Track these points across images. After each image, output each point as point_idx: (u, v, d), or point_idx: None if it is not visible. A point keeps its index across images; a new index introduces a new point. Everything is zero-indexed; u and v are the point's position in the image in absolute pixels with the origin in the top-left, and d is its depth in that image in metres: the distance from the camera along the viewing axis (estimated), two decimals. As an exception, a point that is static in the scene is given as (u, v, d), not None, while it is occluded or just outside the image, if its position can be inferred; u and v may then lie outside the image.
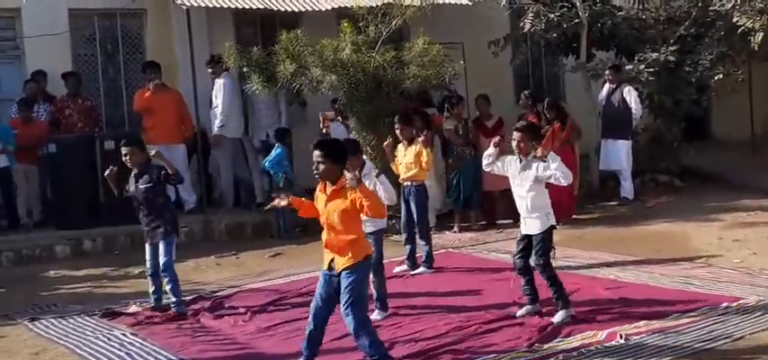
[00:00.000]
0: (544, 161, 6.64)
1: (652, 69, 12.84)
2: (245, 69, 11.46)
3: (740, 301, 6.89)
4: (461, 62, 12.06)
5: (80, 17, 13.18)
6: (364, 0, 11.35)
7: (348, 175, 5.66)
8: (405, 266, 9.06)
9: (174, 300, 7.67)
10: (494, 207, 11.85)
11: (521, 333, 6.41)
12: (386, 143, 8.81)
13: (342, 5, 12.50)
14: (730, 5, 12.69)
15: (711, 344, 5.93)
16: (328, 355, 6.03)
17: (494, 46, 14.04)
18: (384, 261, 7.54)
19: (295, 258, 10.29)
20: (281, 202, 6.12)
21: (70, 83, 12.40)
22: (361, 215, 5.71)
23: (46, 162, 11.87)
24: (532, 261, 6.80)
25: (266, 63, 11.17)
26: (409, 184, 9.06)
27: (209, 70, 12.53)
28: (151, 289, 7.83)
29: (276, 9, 12.70)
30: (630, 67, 13.09)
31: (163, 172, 7.56)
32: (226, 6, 12.39)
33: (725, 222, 10.64)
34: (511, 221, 11.30)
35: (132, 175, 7.68)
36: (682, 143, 14.05)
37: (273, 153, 11.66)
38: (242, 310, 7.70)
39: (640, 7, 14.08)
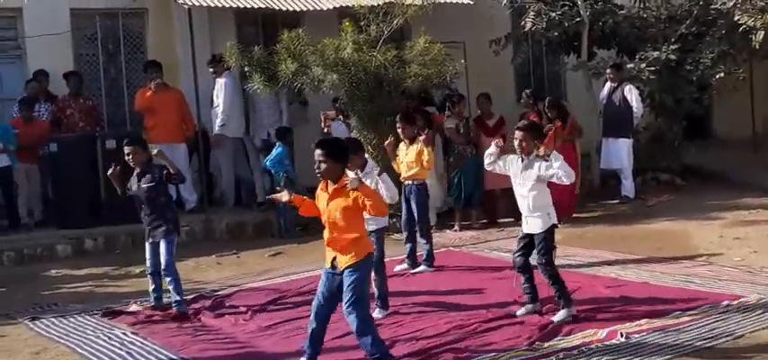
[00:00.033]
0: (546, 160, 6.64)
1: (653, 68, 12.83)
2: (246, 69, 11.46)
3: (741, 300, 6.88)
4: (462, 61, 12.06)
5: (82, 17, 13.19)
6: (365, 0, 11.35)
7: (350, 175, 5.66)
8: (405, 265, 9.06)
9: (175, 299, 7.67)
10: (495, 206, 11.85)
11: (521, 332, 6.41)
12: (387, 142, 8.82)
13: (343, 5, 12.50)
14: (731, 4, 12.68)
15: (712, 342, 5.92)
16: (330, 353, 6.04)
17: (495, 45, 14.03)
18: (385, 259, 7.54)
19: (296, 257, 10.29)
20: (283, 197, 6.11)
21: (72, 82, 12.41)
22: (364, 213, 5.73)
23: (47, 161, 11.88)
24: (535, 260, 6.80)
25: (268, 62, 11.18)
26: (410, 182, 9.06)
27: (211, 70, 12.54)
28: (151, 287, 7.84)
29: (278, 8, 12.71)
30: (631, 65, 13.09)
31: (165, 171, 7.58)
32: (227, 6, 12.39)
33: (726, 221, 10.63)
34: (512, 220, 11.31)
35: (135, 174, 7.70)
36: (683, 142, 14.04)
37: (274, 152, 11.66)
38: (243, 309, 7.70)
39: (641, 6, 14.07)
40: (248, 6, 12.52)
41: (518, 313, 6.89)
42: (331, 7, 12.74)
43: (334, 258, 5.72)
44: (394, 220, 9.79)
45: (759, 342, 5.89)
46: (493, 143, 7.02)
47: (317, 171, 5.71)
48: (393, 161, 9.02)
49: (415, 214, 9.02)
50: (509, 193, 7.32)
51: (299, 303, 7.69)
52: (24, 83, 12.54)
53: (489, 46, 13.98)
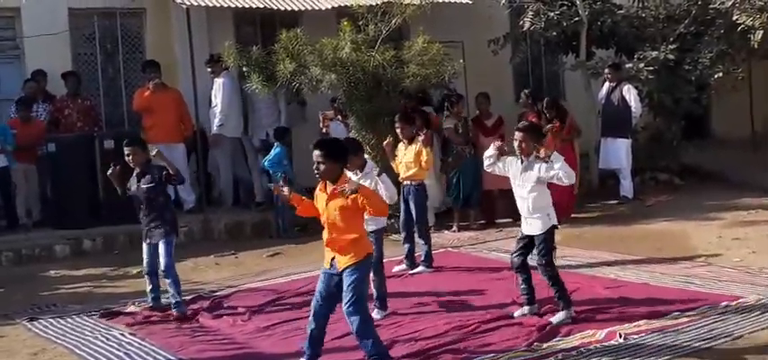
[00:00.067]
0: (547, 161, 6.62)
1: (652, 68, 12.83)
2: (244, 69, 11.45)
3: (740, 300, 6.88)
4: (461, 61, 12.03)
5: (80, 17, 13.17)
6: (364, -1, 11.36)
7: (349, 175, 5.66)
8: (404, 266, 9.05)
9: (174, 301, 7.66)
10: (493, 206, 11.84)
11: (520, 332, 6.41)
12: (386, 142, 8.81)
13: (341, 4, 12.50)
14: (730, 3, 12.67)
15: (711, 343, 5.92)
16: (329, 354, 6.03)
17: (493, 44, 14.02)
18: (383, 260, 7.53)
19: (294, 258, 10.28)
20: (284, 190, 6.08)
21: (70, 82, 12.39)
22: (364, 214, 5.73)
23: (45, 162, 11.87)
24: (535, 261, 6.78)
25: (266, 62, 11.17)
26: (409, 183, 9.05)
27: (209, 69, 12.53)
28: (148, 288, 7.84)
29: (276, 8, 12.70)
30: (630, 65, 13.09)
31: (164, 172, 7.58)
32: (225, 5, 12.38)
33: (725, 221, 10.63)
34: (510, 220, 11.31)
35: (134, 174, 7.70)
36: (681, 142, 14.04)
37: (273, 152, 11.65)
38: (241, 310, 7.69)
39: (640, 5, 14.06)
40: (246, 6, 12.51)
41: (516, 314, 6.88)
42: (329, 7, 12.73)
43: (333, 258, 5.71)
44: (393, 220, 9.78)
45: (758, 343, 5.89)
46: (492, 145, 6.99)
47: (315, 172, 5.71)
48: (392, 161, 9.01)
49: (414, 215, 9.00)
50: (507, 193, 7.31)
51: (297, 304, 7.68)
52: (22, 83, 12.52)
53: (488, 45, 13.97)
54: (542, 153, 6.69)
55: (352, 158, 6.94)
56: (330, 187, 5.71)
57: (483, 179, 11.31)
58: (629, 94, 12.57)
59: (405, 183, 9.06)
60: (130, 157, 7.66)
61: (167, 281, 7.68)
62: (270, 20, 13.60)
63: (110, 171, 7.73)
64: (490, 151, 6.95)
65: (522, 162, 6.74)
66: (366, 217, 5.89)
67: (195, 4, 11.95)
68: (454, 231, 11.40)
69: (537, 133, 7.00)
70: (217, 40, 12.56)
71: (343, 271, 5.64)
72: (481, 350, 6.06)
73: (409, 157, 8.99)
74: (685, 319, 6.46)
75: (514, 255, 6.93)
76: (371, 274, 6.73)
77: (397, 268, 8.99)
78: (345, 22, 10.99)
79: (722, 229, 10.13)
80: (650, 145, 13.87)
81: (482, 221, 11.78)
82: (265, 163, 11.76)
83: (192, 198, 12.46)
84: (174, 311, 7.61)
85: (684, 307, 6.75)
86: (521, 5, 13.69)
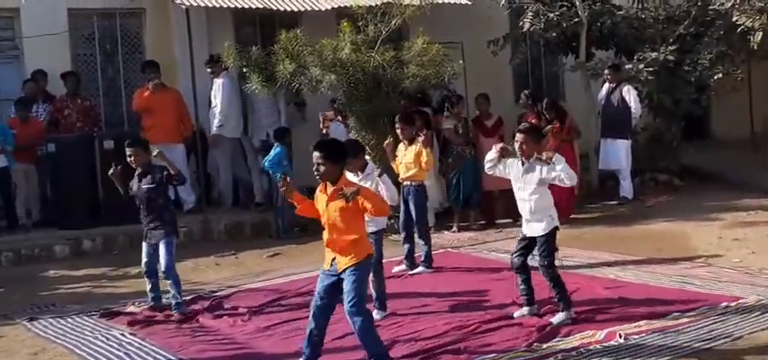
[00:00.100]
0: (548, 163, 6.62)
1: (651, 69, 12.83)
2: (244, 69, 11.44)
3: (740, 301, 6.88)
4: (461, 61, 12.03)
5: (79, 17, 13.16)
6: (363, 0, 11.34)
7: (349, 175, 5.65)
8: (403, 266, 9.05)
9: (175, 301, 7.66)
10: (493, 207, 11.85)
11: (520, 333, 6.40)
12: (386, 142, 8.82)
13: (341, 5, 12.50)
14: (730, 4, 12.68)
15: (711, 343, 5.92)
16: (329, 354, 6.03)
17: (493, 45, 14.02)
18: (383, 261, 7.53)
19: (294, 258, 10.28)
20: (288, 190, 6.06)
21: (69, 83, 12.39)
22: (365, 215, 5.74)
23: (45, 162, 11.87)
24: (536, 262, 6.77)
25: (265, 63, 11.16)
26: (409, 183, 9.05)
27: (208, 70, 12.53)
28: (148, 287, 7.84)
29: (275, 9, 12.70)
30: (630, 66, 13.09)
31: (165, 172, 7.58)
32: (225, 6, 12.38)
33: (725, 222, 10.63)
34: (510, 221, 11.33)
35: (136, 174, 7.70)
36: (681, 142, 14.03)
37: (273, 152, 11.64)
38: (241, 310, 7.68)
39: (640, 6, 14.07)
40: (246, 7, 12.51)
41: (515, 315, 6.87)
42: (329, 8, 12.74)
43: (334, 259, 5.71)
44: (392, 221, 9.78)
45: (758, 343, 5.89)
46: (493, 147, 6.97)
47: (315, 173, 5.71)
48: (392, 162, 9.01)
49: (414, 215, 9.00)
50: (507, 194, 7.30)
51: (297, 304, 7.67)
52: (22, 83, 12.52)
53: (487, 46, 13.97)
54: (545, 156, 6.69)
55: (353, 160, 6.95)
56: (330, 188, 5.71)
57: (483, 180, 11.31)
58: (629, 94, 12.57)
59: (405, 183, 9.06)
60: (132, 158, 7.67)
61: (168, 282, 7.68)
62: (269, 20, 13.60)
63: (111, 171, 7.74)
64: (491, 154, 6.92)
65: (523, 164, 6.73)
66: (366, 218, 5.90)
67: (195, 4, 11.95)
68: (454, 232, 11.40)
69: (538, 135, 7.00)
70: (216, 41, 12.56)
71: (343, 272, 5.64)
72: (481, 350, 6.06)
73: (409, 157, 8.99)
74: (685, 320, 6.46)
75: (515, 255, 6.93)
76: (371, 275, 6.74)
77: (396, 269, 8.99)
78: (345, 23, 10.98)
79: (722, 230, 10.13)
80: (650, 146, 13.87)
81: (482, 222, 11.78)
82: (265, 163, 11.75)
83: (192, 198, 12.46)
84: (174, 312, 7.61)
85: (684, 307, 6.75)
86: (520, 6, 13.70)
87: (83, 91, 12.80)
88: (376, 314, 7.03)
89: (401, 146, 9.12)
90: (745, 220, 10.73)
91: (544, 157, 6.67)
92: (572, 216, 11.41)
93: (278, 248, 10.88)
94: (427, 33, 11.06)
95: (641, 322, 6.44)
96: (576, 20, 13.19)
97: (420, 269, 8.98)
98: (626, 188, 12.67)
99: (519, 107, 13.04)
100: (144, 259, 7.75)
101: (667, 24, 13.81)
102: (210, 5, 12.22)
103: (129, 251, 10.53)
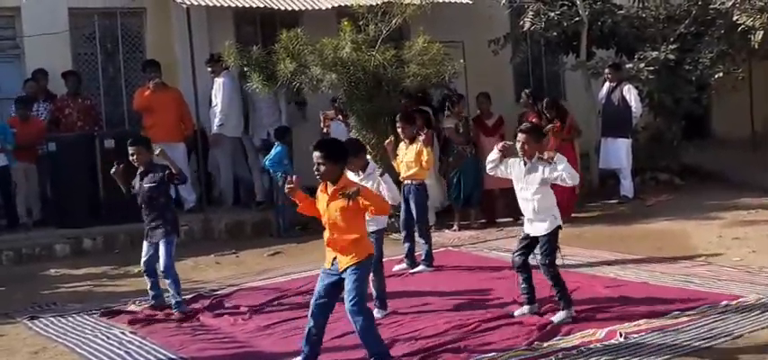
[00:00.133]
0: (550, 163, 6.62)
1: (652, 68, 12.83)
2: (245, 68, 11.45)
3: (740, 300, 6.88)
4: (461, 61, 12.04)
5: (80, 16, 13.16)
6: (364, -1, 11.36)
7: (350, 175, 5.66)
8: (404, 265, 9.05)
9: (175, 301, 7.66)
10: (494, 205, 11.85)
11: (520, 332, 6.40)
12: (387, 141, 8.83)
13: (342, 4, 12.50)
14: (730, 4, 12.67)
15: (711, 342, 5.92)
16: (329, 353, 6.03)
17: (494, 44, 14.03)
18: (383, 260, 7.54)
19: (294, 257, 10.29)
20: (293, 190, 6.06)
21: (70, 82, 12.40)
22: (366, 214, 5.75)
23: (46, 161, 11.88)
24: (537, 260, 6.77)
25: (266, 62, 11.17)
26: (409, 182, 9.06)
27: (209, 69, 12.53)
28: (148, 285, 7.84)
29: (276, 8, 12.70)
30: (630, 65, 13.09)
31: (167, 171, 7.58)
32: (226, 5, 12.38)
33: (725, 221, 10.63)
34: (511, 220, 11.35)
35: (138, 173, 7.71)
36: (682, 141, 14.04)
37: (273, 152, 11.66)
38: (242, 309, 7.68)
39: (640, 6, 14.07)
40: (247, 6, 12.52)
41: (516, 313, 6.87)
42: (329, 7, 12.73)
43: (335, 259, 5.72)
44: (393, 219, 9.79)
45: (758, 342, 5.89)
46: (495, 148, 6.96)
47: (316, 173, 5.71)
48: (393, 160, 9.02)
49: (414, 214, 9.01)
50: (508, 193, 7.30)
51: (298, 303, 7.67)
52: (22, 82, 12.52)
53: (488, 46, 13.97)
54: (547, 156, 6.69)
55: (354, 159, 6.95)
56: (331, 188, 5.71)
57: (484, 179, 11.30)
58: (630, 94, 12.57)
59: (405, 182, 9.06)
60: (135, 156, 7.67)
61: (167, 281, 7.68)
62: (270, 19, 13.60)
63: (113, 169, 7.74)
64: (493, 155, 6.91)
65: (525, 164, 6.72)
66: (367, 217, 5.91)
67: (195, 3, 11.95)
68: (455, 230, 11.41)
69: (539, 134, 6.99)
70: (217, 40, 12.56)
71: (344, 271, 5.65)
72: (481, 349, 6.06)
73: (410, 156, 9.00)
74: (685, 319, 6.46)
75: (516, 254, 6.93)
76: (371, 274, 6.74)
77: (397, 267, 9.00)
78: (346, 22, 10.99)
79: (722, 229, 10.13)
80: (650, 145, 13.88)
81: (483, 221, 11.79)
82: (266, 162, 11.77)
83: (193, 197, 12.46)
84: (175, 311, 7.61)
85: (684, 306, 6.75)
86: (521, 5, 13.70)
87: (83, 90, 12.80)
88: (376, 313, 7.03)
89: (402, 145, 9.13)
90: (745, 218, 10.74)
91: (546, 157, 6.67)
92: (572, 215, 11.41)
93: (279, 247, 10.88)
94: (428, 32, 11.06)
95: (641, 321, 6.44)
96: (577, 19, 13.20)
97: (421, 268, 8.98)
98: (626, 187, 12.67)
99: (520, 106, 13.04)
100: (143, 257, 7.76)
101: (668, 23, 13.81)
102: (211, 4, 12.22)
103: (130, 250, 10.54)
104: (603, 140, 12.88)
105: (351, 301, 5.58)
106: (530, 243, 6.82)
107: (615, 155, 12.68)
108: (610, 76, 12.85)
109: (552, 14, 13.12)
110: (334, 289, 5.74)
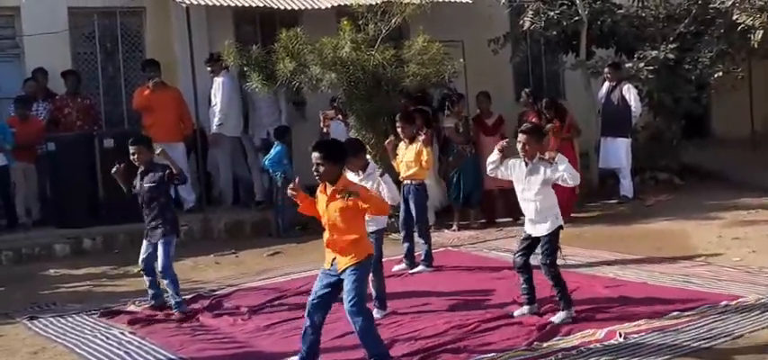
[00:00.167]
0: (551, 163, 6.62)
1: (652, 67, 12.83)
2: (245, 68, 11.44)
3: (740, 300, 6.88)
4: (461, 60, 12.04)
5: (79, 15, 13.16)
6: (364, -2, 11.36)
7: (350, 175, 5.65)
8: (403, 265, 9.05)
9: (175, 301, 7.66)
10: (493, 205, 11.85)
11: (520, 332, 6.40)
12: (388, 141, 8.83)
13: (341, 3, 12.49)
14: (730, 3, 12.66)
15: (711, 342, 5.92)
16: (329, 353, 6.04)
17: (494, 44, 14.02)
18: (383, 260, 7.53)
19: (294, 257, 10.28)
20: (294, 192, 6.06)
21: (70, 81, 12.39)
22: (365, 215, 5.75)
23: (45, 160, 11.87)
24: (539, 260, 6.77)
25: (266, 61, 11.16)
26: (409, 182, 9.05)
27: (208, 68, 12.52)
28: (147, 284, 7.83)
29: (276, 7, 12.70)
30: (630, 64, 13.08)
31: (167, 171, 7.58)
32: (225, 4, 12.37)
33: (725, 220, 10.63)
34: (510, 220, 11.35)
35: (138, 172, 7.70)
36: (681, 141, 14.04)
37: (273, 151, 11.65)
38: (242, 309, 7.68)
39: (640, 5, 14.06)
40: (246, 5, 12.51)
41: (515, 314, 6.87)
42: (329, 6, 12.73)
43: (334, 259, 5.71)
44: (393, 219, 9.78)
45: (758, 342, 5.89)
46: (496, 148, 6.95)
47: (315, 174, 5.71)
48: (393, 160, 9.02)
49: (414, 214, 9.01)
50: (507, 193, 7.30)
51: (298, 303, 7.65)
52: (22, 82, 12.52)
53: (488, 45, 13.97)
54: (548, 156, 6.68)
55: (354, 159, 6.94)
56: (330, 189, 5.71)
57: (484, 179, 11.30)
58: (629, 93, 12.56)
59: (405, 182, 9.06)
60: (136, 156, 7.67)
61: (165, 281, 7.68)
62: (270, 19, 13.60)
63: (114, 169, 7.74)
64: (493, 157, 6.89)
65: (526, 165, 6.71)
66: (366, 217, 5.90)
67: (195, 2, 11.94)
68: (454, 230, 11.40)
69: (540, 135, 6.98)
70: (216, 39, 12.55)
71: (343, 272, 5.64)
72: (481, 349, 6.06)
73: (410, 156, 9.00)
74: (685, 319, 6.46)
75: (517, 255, 6.92)
76: (371, 274, 6.73)
77: (396, 267, 8.99)
78: (345, 22, 10.98)
79: (722, 229, 10.13)
80: (650, 144, 13.87)
81: (482, 221, 11.78)
82: (266, 162, 11.76)
83: (192, 197, 12.46)
84: (175, 311, 7.61)
85: (684, 306, 6.75)
86: (521, 5, 13.70)
87: (83, 90, 12.80)
88: (376, 313, 7.02)
89: (402, 145, 9.12)
90: (745, 218, 10.73)
91: (547, 157, 6.67)
92: (572, 215, 11.40)
93: (278, 247, 10.88)
94: (427, 32, 11.06)
95: (641, 321, 6.44)
96: (577, 18, 13.19)
97: (420, 268, 8.98)
98: (626, 187, 12.66)
99: (519, 106, 13.04)
100: (142, 255, 7.76)
101: (668, 23, 13.80)
102: (211, 4, 12.22)
103: (130, 250, 10.53)
104: (603, 140, 12.87)
105: (350, 301, 5.58)
106: (531, 244, 6.82)
107: (615, 154, 12.67)
108: (609, 75, 12.85)
109: (552, 14, 13.12)
110: (332, 289, 5.74)
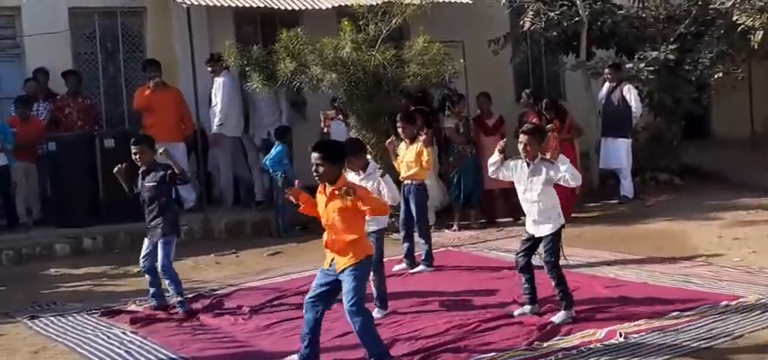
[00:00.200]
0: (552, 163, 6.62)
1: (652, 68, 12.84)
2: (245, 68, 11.45)
3: (740, 300, 6.88)
4: (461, 60, 12.05)
5: (80, 15, 13.17)
6: (364, -1, 11.36)
7: (351, 175, 5.65)
8: (403, 265, 9.05)
9: (177, 300, 7.67)
10: (494, 205, 11.86)
11: (520, 331, 6.40)
12: (389, 141, 8.83)
13: (342, 4, 12.50)
14: (730, 4, 12.68)
15: (711, 342, 5.92)
16: (328, 353, 6.04)
17: (494, 44, 14.03)
18: (384, 259, 7.53)
19: (294, 257, 10.29)
20: (293, 194, 6.06)
21: (70, 81, 12.40)
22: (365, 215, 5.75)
23: (46, 160, 11.88)
24: (542, 259, 6.77)
25: (266, 61, 11.18)
26: (409, 182, 9.06)
27: (209, 69, 12.53)
28: (148, 283, 7.83)
29: (276, 7, 12.70)
30: (630, 65, 13.09)
31: (170, 171, 7.58)
32: (226, 5, 12.38)
33: (725, 221, 10.64)
34: (511, 220, 11.35)
35: (140, 172, 7.71)
36: (682, 141, 14.05)
37: (274, 151, 11.66)
38: (243, 309, 7.68)
39: (640, 6, 14.07)
40: (247, 5, 12.52)
41: (516, 313, 6.87)
42: (330, 6, 12.73)
43: (333, 259, 5.72)
44: (393, 219, 9.78)
45: (758, 342, 5.89)
46: (496, 150, 6.95)
47: (314, 174, 5.71)
48: (394, 160, 9.03)
49: (414, 214, 9.01)
50: (507, 193, 7.30)
51: (298, 303, 7.63)
52: (23, 82, 12.52)
53: (488, 45, 13.98)
54: (549, 156, 6.68)
55: (354, 159, 6.95)
56: (329, 189, 5.72)
57: (484, 179, 11.30)
58: (630, 94, 12.57)
59: (405, 182, 9.06)
60: (138, 156, 7.68)
61: (166, 281, 7.69)
62: (270, 19, 13.61)
63: (116, 169, 7.74)
64: (494, 158, 6.90)
65: (528, 165, 6.71)
66: (367, 217, 5.90)
67: (196, 3, 11.95)
68: (455, 230, 11.41)
69: (541, 135, 6.98)
70: (217, 40, 12.57)
71: (342, 272, 5.65)
72: (481, 349, 6.06)
73: (410, 156, 9.00)
74: (685, 319, 6.46)
75: (519, 255, 6.92)
76: (372, 274, 6.74)
77: (397, 267, 8.99)
78: (346, 22, 10.99)
79: (722, 229, 10.14)
80: (650, 145, 13.88)
81: (482, 220, 11.79)
82: (266, 162, 11.77)
83: (193, 197, 12.46)
84: (179, 310, 7.61)
85: (684, 306, 6.75)
86: (521, 5, 13.70)
87: (84, 90, 12.81)
88: (377, 313, 7.04)
89: (402, 145, 9.13)
90: (745, 219, 10.74)
91: (548, 157, 6.67)
92: (573, 215, 11.40)
93: (278, 247, 10.88)
94: (428, 32, 11.07)
95: (641, 321, 6.44)
96: (577, 19, 13.20)
97: (421, 268, 8.98)
98: (626, 187, 12.67)
99: (520, 106, 13.05)
100: (143, 252, 7.76)
101: (668, 23, 13.82)
102: (211, 4, 12.23)
103: (130, 250, 10.53)
104: (603, 140, 12.88)
105: (349, 301, 5.58)
106: (533, 244, 6.82)
107: (615, 155, 12.68)
108: (610, 76, 12.85)
109: (552, 14, 13.12)
110: (330, 288, 5.75)
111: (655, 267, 8.42)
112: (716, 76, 13.11)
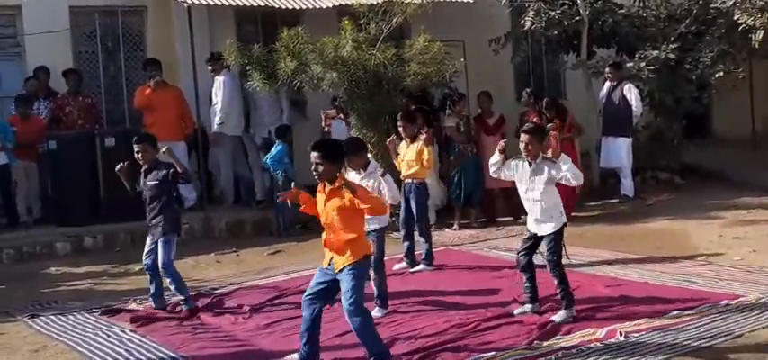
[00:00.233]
0: (554, 162, 6.62)
1: (653, 67, 12.84)
2: (246, 67, 11.45)
3: (740, 299, 6.88)
4: (462, 60, 12.06)
5: (81, 14, 13.17)
6: (365, -2, 11.36)
7: (351, 174, 5.65)
8: (404, 264, 9.05)
9: (180, 299, 7.67)
10: (494, 205, 11.86)
11: (520, 331, 6.40)
12: (389, 140, 8.83)
13: (343, 3, 12.49)
14: (731, 3, 12.68)
15: (711, 341, 5.92)
16: (328, 352, 6.04)
17: (494, 44, 14.03)
18: (384, 258, 7.53)
19: (295, 256, 10.29)
20: (293, 196, 6.07)
21: (71, 80, 12.41)
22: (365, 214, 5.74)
23: (46, 159, 11.89)
24: (544, 258, 6.77)
25: (267, 60, 11.18)
26: (410, 181, 9.06)
27: (210, 68, 12.53)
28: (149, 281, 7.83)
29: (277, 6, 12.71)
30: (631, 64, 13.09)
31: (172, 170, 7.58)
32: (227, 4, 12.38)
33: (725, 220, 10.63)
34: (511, 219, 11.35)
35: (142, 171, 7.72)
36: (682, 141, 14.06)
37: (274, 150, 11.66)
38: (244, 308, 7.68)
39: (641, 5, 14.07)
40: (248, 4, 12.52)
41: (516, 312, 6.87)
42: (330, 5, 12.74)
43: (332, 258, 5.72)
44: (394, 218, 9.78)
45: (758, 341, 5.89)
46: (496, 150, 6.94)
47: (314, 173, 5.72)
48: (395, 159, 9.03)
49: (415, 213, 9.01)
50: (508, 192, 7.30)
51: (298, 302, 7.60)
52: (23, 81, 12.53)
53: (489, 45, 13.97)
54: (550, 154, 6.68)
55: (355, 158, 6.95)
56: (328, 188, 5.72)
57: (485, 178, 11.30)
58: (630, 93, 12.57)
59: (406, 181, 9.07)
60: (140, 154, 7.68)
61: (167, 280, 7.69)
62: (271, 18, 13.61)
63: (118, 167, 7.74)
64: (495, 158, 6.90)
65: (530, 165, 6.71)
66: (368, 216, 5.90)
67: (196, 2, 11.95)
68: (455, 229, 11.41)
69: (542, 134, 6.98)
70: (218, 39, 12.57)
71: (340, 271, 5.65)
72: (481, 348, 6.06)
73: (411, 155, 9.00)
74: (686, 318, 6.46)
75: (520, 254, 6.91)
76: (372, 273, 6.73)
77: (397, 266, 8.99)
78: (346, 21, 10.99)
79: (723, 228, 10.14)
80: (651, 144, 13.89)
81: (483, 220, 11.78)
82: (267, 161, 11.77)
83: (193, 196, 12.46)
84: (183, 308, 7.60)
85: (685, 305, 6.75)
86: (522, 5, 13.70)
87: (84, 88, 12.82)
88: (377, 312, 7.05)
89: (402, 144, 9.13)
90: (745, 218, 10.74)
91: (550, 156, 6.67)
92: (573, 214, 11.40)
93: (279, 246, 10.88)
94: (429, 31, 11.07)
95: (642, 320, 6.44)
96: (578, 18, 13.20)
97: (421, 267, 8.98)
98: (627, 186, 12.67)
99: (520, 105, 13.05)
100: (145, 249, 7.77)
101: (669, 23, 13.82)
102: (212, 3, 12.23)
103: (131, 248, 10.56)
104: (604, 139, 12.88)
105: (348, 301, 5.58)
106: (534, 243, 6.82)
107: (616, 154, 12.68)
108: (610, 75, 12.85)
109: (553, 13, 13.13)
110: (328, 286, 5.75)
111: (655, 266, 8.42)
112: (717, 76, 13.12)
